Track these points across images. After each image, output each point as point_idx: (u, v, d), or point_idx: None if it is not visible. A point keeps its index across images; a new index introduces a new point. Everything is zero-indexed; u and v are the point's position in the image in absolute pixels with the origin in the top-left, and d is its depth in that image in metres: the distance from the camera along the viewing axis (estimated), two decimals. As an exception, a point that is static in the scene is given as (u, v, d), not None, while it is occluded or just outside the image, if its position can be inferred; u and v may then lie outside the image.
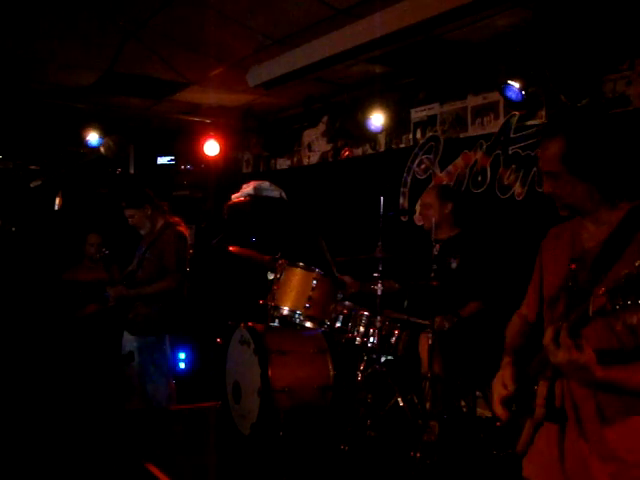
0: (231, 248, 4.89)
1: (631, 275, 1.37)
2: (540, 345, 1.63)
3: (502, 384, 1.86)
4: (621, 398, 1.68)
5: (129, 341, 4.46)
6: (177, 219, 4.60)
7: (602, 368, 1.57)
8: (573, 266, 1.71)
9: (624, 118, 3.78)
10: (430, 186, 5.01)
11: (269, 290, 4.29)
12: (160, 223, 4.51)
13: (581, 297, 1.53)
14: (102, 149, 6.61)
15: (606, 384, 1.62)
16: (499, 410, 1.84)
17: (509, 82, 4.13)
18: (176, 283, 4.35)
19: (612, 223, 1.76)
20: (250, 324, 4.22)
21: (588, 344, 1.56)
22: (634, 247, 1.66)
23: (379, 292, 4.00)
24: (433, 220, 4.10)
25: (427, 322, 3.84)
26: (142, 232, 4.55)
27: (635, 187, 1.78)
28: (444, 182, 5.02)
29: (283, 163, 7.16)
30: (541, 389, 1.70)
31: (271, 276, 4.49)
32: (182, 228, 4.54)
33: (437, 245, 4.23)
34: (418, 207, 5.20)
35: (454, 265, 4.14)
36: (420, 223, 5.14)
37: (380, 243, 4.06)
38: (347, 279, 4.47)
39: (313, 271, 4.16)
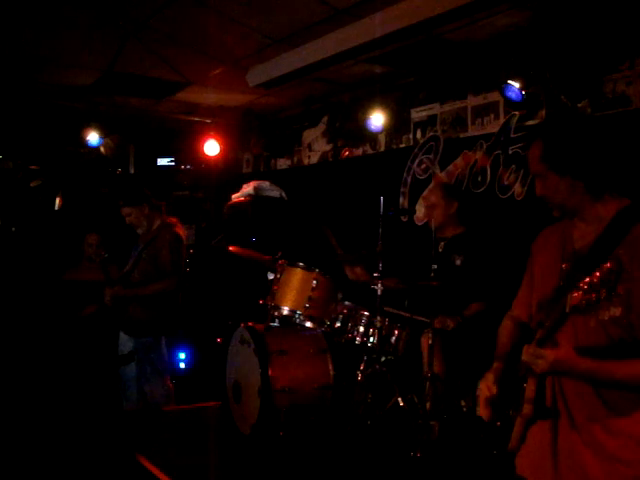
0: (231, 248, 4.89)
1: (604, 274, 1.47)
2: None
3: (486, 386, 1.92)
4: (613, 394, 1.70)
5: (126, 342, 4.45)
6: (174, 220, 4.59)
7: (584, 360, 1.64)
8: (564, 266, 1.75)
9: (624, 118, 3.78)
10: (433, 185, 4.99)
11: (269, 290, 4.29)
12: (157, 223, 4.49)
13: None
14: (102, 149, 6.61)
15: (592, 376, 1.67)
16: (483, 411, 1.92)
17: (509, 82, 4.13)
18: (174, 285, 4.34)
19: (601, 222, 1.79)
20: (250, 324, 4.22)
21: (564, 341, 1.64)
22: (618, 251, 1.69)
23: (379, 292, 4.00)
24: (439, 220, 4.09)
25: (428, 320, 3.84)
26: (139, 231, 4.53)
27: (616, 179, 1.82)
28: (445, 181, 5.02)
29: (283, 163, 7.16)
30: (529, 387, 1.75)
31: (271, 276, 4.49)
32: (179, 229, 4.52)
33: (442, 243, 4.23)
34: (418, 207, 5.20)
35: (458, 262, 4.12)
36: (420, 223, 5.14)
37: (380, 243, 4.06)
38: (358, 270, 4.46)
39: (313, 271, 4.16)
